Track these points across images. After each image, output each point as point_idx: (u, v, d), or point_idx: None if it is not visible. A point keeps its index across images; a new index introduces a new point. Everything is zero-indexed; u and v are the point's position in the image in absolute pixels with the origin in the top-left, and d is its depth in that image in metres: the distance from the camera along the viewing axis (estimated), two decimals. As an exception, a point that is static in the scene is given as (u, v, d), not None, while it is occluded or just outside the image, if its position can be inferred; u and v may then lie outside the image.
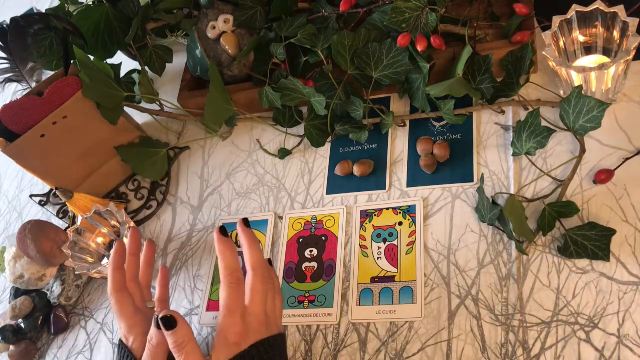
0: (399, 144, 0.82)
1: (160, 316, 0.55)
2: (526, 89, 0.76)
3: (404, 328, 0.67)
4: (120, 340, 0.66)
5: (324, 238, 0.77)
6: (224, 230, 0.58)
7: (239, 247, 0.74)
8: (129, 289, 0.68)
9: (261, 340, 0.56)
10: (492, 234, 0.69)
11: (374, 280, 0.71)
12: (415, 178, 0.77)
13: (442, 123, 0.80)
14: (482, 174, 0.71)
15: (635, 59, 0.66)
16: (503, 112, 0.77)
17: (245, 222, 0.60)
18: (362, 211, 0.77)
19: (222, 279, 0.57)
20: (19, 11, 1.05)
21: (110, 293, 0.67)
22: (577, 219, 0.65)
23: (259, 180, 0.87)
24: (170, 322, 0.55)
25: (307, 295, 0.74)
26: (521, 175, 0.72)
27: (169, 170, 0.95)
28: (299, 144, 0.87)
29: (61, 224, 0.98)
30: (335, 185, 0.81)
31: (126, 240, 0.74)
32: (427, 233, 0.72)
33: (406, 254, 0.72)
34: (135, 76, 1.00)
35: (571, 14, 0.68)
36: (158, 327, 0.55)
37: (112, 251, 0.68)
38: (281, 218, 0.82)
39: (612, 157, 0.68)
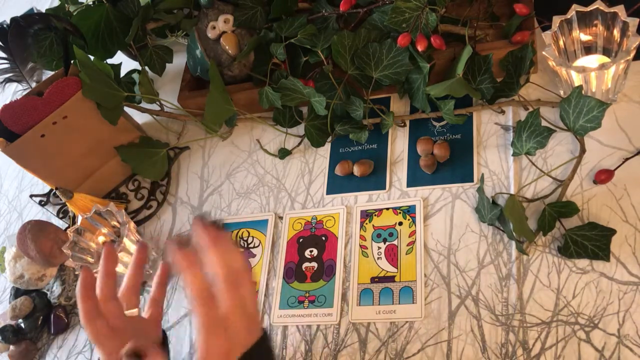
0: (399, 144, 0.82)
1: (125, 352, 0.53)
2: (526, 89, 0.76)
3: (404, 328, 0.67)
4: None
5: (324, 238, 0.77)
6: (183, 243, 0.52)
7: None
8: (105, 311, 0.62)
9: (247, 351, 0.51)
10: (492, 234, 0.69)
11: (374, 280, 0.71)
12: (415, 178, 0.77)
13: (442, 123, 0.80)
14: (482, 174, 0.71)
15: (635, 59, 0.66)
16: (503, 112, 0.77)
17: (202, 218, 0.53)
18: (362, 211, 0.77)
19: (190, 297, 0.51)
20: (19, 11, 1.05)
21: (82, 325, 0.60)
22: (577, 219, 0.65)
23: (259, 180, 0.87)
24: (137, 356, 0.53)
25: (307, 295, 0.74)
26: (521, 175, 0.72)
27: (169, 170, 0.95)
28: (299, 144, 0.87)
29: (61, 224, 0.98)
30: (335, 185, 0.81)
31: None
32: (427, 233, 0.72)
33: (406, 254, 0.72)
34: (135, 76, 1.00)
35: (571, 13, 0.68)
36: None
37: (79, 281, 0.61)
38: (281, 218, 0.82)
39: (612, 157, 0.68)
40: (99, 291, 0.62)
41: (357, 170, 0.80)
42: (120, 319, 0.62)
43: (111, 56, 0.95)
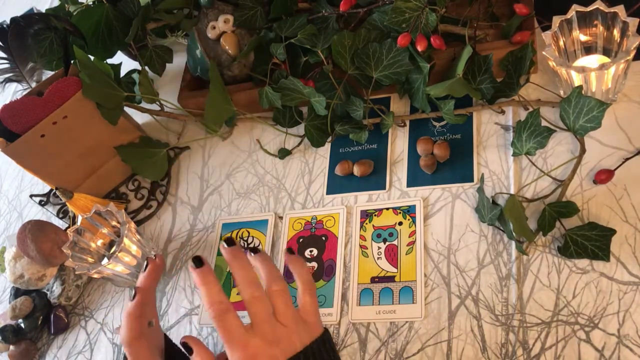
0: (399, 144, 0.82)
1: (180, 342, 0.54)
2: (526, 89, 0.76)
3: (404, 328, 0.67)
4: None
5: (324, 238, 0.77)
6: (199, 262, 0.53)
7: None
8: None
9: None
10: (492, 234, 0.69)
11: (374, 280, 0.71)
12: (415, 178, 0.77)
13: (442, 123, 0.80)
14: (482, 174, 0.71)
15: (635, 59, 0.66)
16: (503, 112, 0.77)
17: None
18: (362, 211, 0.77)
19: (207, 311, 0.52)
20: (19, 11, 1.05)
21: (127, 343, 0.58)
22: (577, 219, 0.65)
23: (259, 180, 0.87)
24: (186, 349, 0.53)
25: (307, 295, 0.73)
26: (521, 175, 0.72)
27: (169, 170, 0.95)
28: (299, 144, 0.87)
29: (61, 224, 0.98)
30: (335, 185, 0.81)
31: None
32: (427, 233, 0.72)
33: (406, 254, 0.72)
34: (135, 76, 1.00)
35: (571, 14, 0.68)
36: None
37: (134, 300, 0.59)
38: (281, 218, 0.82)
39: (612, 157, 0.68)
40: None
41: (357, 170, 0.80)
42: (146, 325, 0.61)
43: (111, 56, 0.95)
